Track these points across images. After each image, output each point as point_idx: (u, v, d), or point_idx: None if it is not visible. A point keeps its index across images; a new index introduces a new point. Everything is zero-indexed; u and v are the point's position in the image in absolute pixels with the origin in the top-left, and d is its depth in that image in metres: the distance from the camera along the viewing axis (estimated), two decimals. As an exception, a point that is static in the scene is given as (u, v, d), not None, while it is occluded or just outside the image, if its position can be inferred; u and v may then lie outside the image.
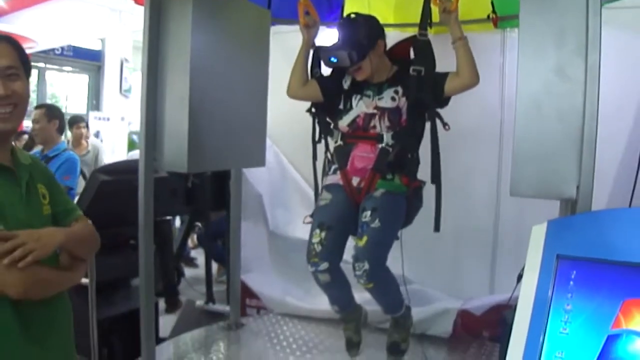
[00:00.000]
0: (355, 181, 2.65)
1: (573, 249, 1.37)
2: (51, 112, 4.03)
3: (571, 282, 1.33)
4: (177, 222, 6.67)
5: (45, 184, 1.61)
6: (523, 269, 1.42)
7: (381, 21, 3.82)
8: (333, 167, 2.74)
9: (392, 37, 3.07)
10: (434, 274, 3.73)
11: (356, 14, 2.77)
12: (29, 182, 1.54)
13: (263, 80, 3.00)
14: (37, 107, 4.15)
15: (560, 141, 1.92)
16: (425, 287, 3.68)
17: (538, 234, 1.43)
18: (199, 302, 4.15)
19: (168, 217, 5.02)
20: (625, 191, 2.89)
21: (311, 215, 2.72)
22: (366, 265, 2.42)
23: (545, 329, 1.30)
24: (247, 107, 2.92)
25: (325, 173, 2.81)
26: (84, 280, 2.77)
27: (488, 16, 3.48)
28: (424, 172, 2.70)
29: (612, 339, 1.23)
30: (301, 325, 3.45)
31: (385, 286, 2.62)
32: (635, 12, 3.27)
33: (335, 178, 2.71)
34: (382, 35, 2.67)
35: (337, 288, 2.66)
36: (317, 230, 2.57)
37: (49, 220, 1.58)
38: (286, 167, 4.11)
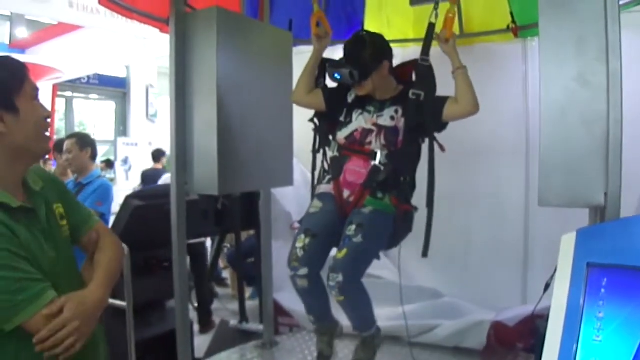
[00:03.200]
0: (345, 194, 2.66)
1: (603, 257, 1.38)
2: (83, 141, 4.10)
3: (602, 290, 1.33)
4: (208, 242, 6.76)
5: (60, 201, 1.60)
6: (551, 278, 1.43)
7: (401, 37, 3.92)
8: (327, 177, 2.76)
9: (412, 52, 3.11)
10: (466, 287, 3.73)
11: (366, 32, 2.80)
12: (47, 211, 1.53)
13: (288, 100, 3.05)
14: (68, 137, 4.23)
15: (585, 149, 1.91)
16: (457, 300, 3.67)
17: (568, 243, 1.43)
18: (233, 322, 4.20)
19: (201, 239, 5.12)
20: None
21: (300, 222, 2.73)
22: (340, 278, 2.42)
23: (578, 338, 1.30)
24: (274, 128, 2.98)
25: (319, 182, 2.83)
26: (121, 303, 2.85)
27: (508, 26, 3.50)
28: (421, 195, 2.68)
29: (646, 345, 1.23)
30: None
31: (356, 302, 2.60)
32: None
33: (328, 187, 2.73)
34: (388, 56, 2.67)
35: (314, 297, 2.65)
36: (302, 236, 2.58)
37: (68, 244, 1.58)
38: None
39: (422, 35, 2.82)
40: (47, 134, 1.55)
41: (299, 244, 2.58)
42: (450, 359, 3.21)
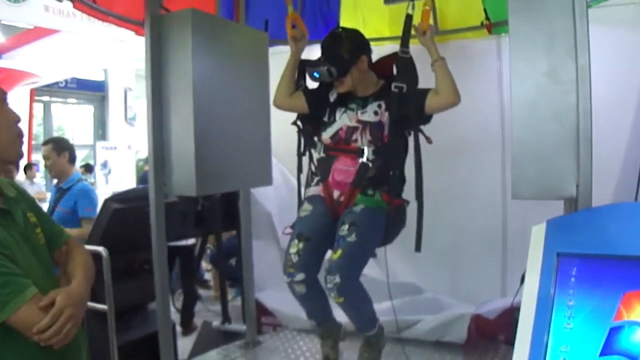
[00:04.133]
0: (335, 194, 2.66)
1: (573, 246, 1.41)
2: (59, 145, 4.06)
3: (572, 279, 1.37)
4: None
5: (33, 212, 1.62)
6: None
7: (376, 35, 3.94)
8: (316, 179, 2.76)
9: (388, 50, 3.13)
10: (445, 281, 3.77)
11: (342, 29, 2.81)
12: (23, 216, 1.55)
13: (265, 100, 3.06)
14: (44, 144, 4.17)
15: (557, 142, 1.95)
16: (437, 295, 3.71)
17: (538, 234, 1.47)
18: (216, 323, 4.20)
19: (190, 243, 5.12)
20: (630, 185, 2.94)
21: (292, 227, 2.72)
22: (337, 279, 2.40)
23: (550, 326, 1.34)
24: (251, 128, 2.98)
25: (308, 184, 2.82)
26: (103, 307, 2.84)
27: (482, 23, 3.54)
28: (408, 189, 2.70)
29: (614, 331, 1.27)
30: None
31: (356, 302, 2.59)
32: (627, 8, 3.33)
33: (317, 189, 2.72)
34: (366, 51, 2.68)
35: (313, 300, 2.64)
36: (295, 241, 2.57)
37: (45, 249, 1.60)
38: (292, 183, 4.14)
39: (398, 33, 2.85)
40: (21, 138, 1.55)
41: (292, 250, 2.56)
42: (432, 353, 3.23)
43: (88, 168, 9.42)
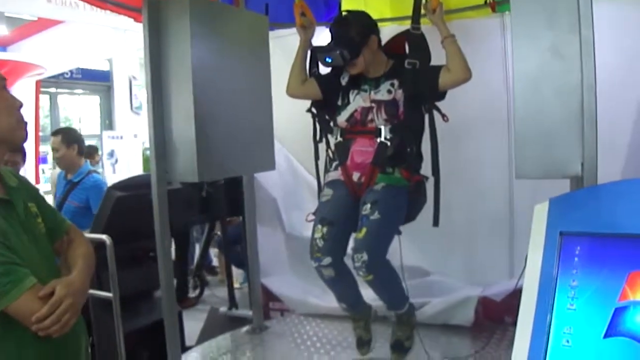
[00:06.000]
0: (355, 176, 2.67)
1: (576, 225, 1.38)
2: (69, 137, 3.98)
3: (576, 259, 1.34)
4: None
5: (34, 202, 1.62)
6: (530, 250, 1.43)
7: (378, 16, 3.87)
8: (334, 164, 2.76)
9: (390, 31, 3.09)
10: (452, 264, 3.74)
11: (348, 12, 2.80)
12: (24, 206, 1.55)
13: (266, 84, 3.03)
14: (53, 134, 4.09)
15: (560, 119, 1.92)
16: (444, 278, 3.69)
17: (541, 213, 1.44)
18: (223, 309, 4.21)
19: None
20: (639, 162, 2.90)
21: (314, 213, 2.74)
22: (365, 257, 2.42)
23: (553, 307, 1.31)
24: (253, 112, 2.96)
25: (327, 170, 2.84)
26: (108, 295, 2.85)
27: (485, 1, 3.49)
28: (426, 167, 2.71)
29: (619, 312, 1.24)
30: (324, 323, 3.48)
31: (385, 279, 2.61)
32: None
33: (336, 174, 2.73)
34: (375, 31, 2.69)
35: (342, 284, 2.66)
36: (319, 226, 2.59)
37: (46, 239, 1.61)
38: (297, 168, 4.13)
39: (400, 14, 2.84)
40: (23, 122, 1.54)
41: (317, 235, 2.58)
42: (439, 336, 3.22)
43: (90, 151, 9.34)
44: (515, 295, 3.12)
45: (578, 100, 1.90)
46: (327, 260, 2.54)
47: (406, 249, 3.70)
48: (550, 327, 1.29)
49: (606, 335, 1.24)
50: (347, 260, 2.60)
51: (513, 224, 3.71)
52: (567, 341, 1.27)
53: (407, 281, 3.48)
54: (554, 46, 1.92)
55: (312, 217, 2.73)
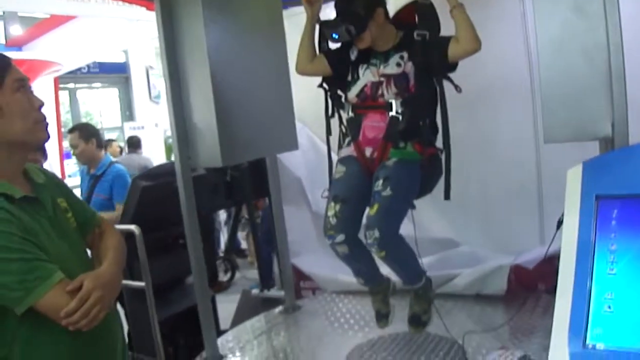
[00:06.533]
0: (368, 152, 2.63)
1: (612, 188, 1.35)
2: (86, 132, 3.99)
3: (613, 222, 1.30)
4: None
5: (64, 197, 1.62)
6: (563, 214, 1.40)
7: (391, -14, 3.81)
8: (347, 140, 2.74)
9: (401, 1, 3.03)
10: (481, 233, 3.71)
11: None
12: (52, 202, 1.55)
13: (283, 64, 3.00)
14: (70, 131, 4.09)
15: (588, 80, 1.87)
16: (475, 248, 3.66)
17: (574, 177, 1.40)
18: (255, 291, 4.24)
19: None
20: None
21: (328, 190, 2.72)
22: (377, 233, 2.41)
23: (592, 272, 1.28)
24: (272, 93, 2.95)
25: (339, 146, 2.80)
26: (141, 284, 2.88)
27: (501, -36, 3.40)
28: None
29: (661, 273, 1.21)
30: (356, 300, 3.48)
31: (398, 255, 2.59)
32: None
33: (348, 150, 2.70)
34: (381, 3, 2.60)
35: (357, 260, 2.65)
36: (332, 204, 2.57)
37: (77, 233, 1.61)
38: (319, 147, 4.09)
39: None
40: (42, 122, 1.53)
41: (330, 212, 2.57)
42: (473, 306, 3.21)
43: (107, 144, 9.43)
44: (547, 262, 3.12)
45: (605, 59, 1.85)
46: (341, 237, 2.53)
47: (434, 222, 3.71)
48: (590, 294, 1.27)
49: (649, 299, 1.21)
50: (362, 235, 2.59)
51: (541, 190, 3.66)
52: (609, 307, 1.25)
53: (437, 253, 3.48)
54: (576, 4, 1.87)
55: (327, 193, 2.72)
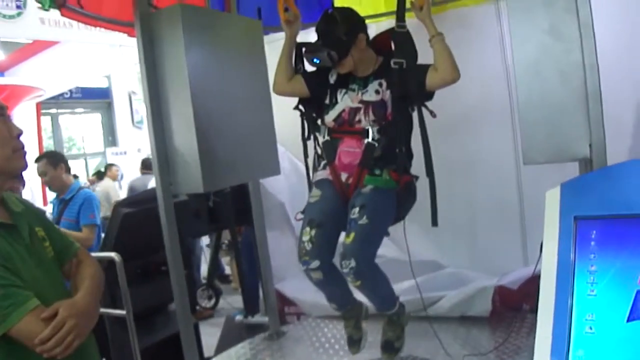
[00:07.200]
0: (343, 177, 2.62)
1: (590, 209, 1.35)
2: (54, 159, 3.99)
3: (592, 243, 1.31)
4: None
5: (41, 226, 1.61)
6: (544, 236, 1.40)
7: (373, 11, 3.86)
8: (322, 163, 2.72)
9: (385, 26, 3.06)
10: (465, 256, 3.72)
11: (335, 8, 2.75)
12: (30, 231, 1.54)
13: (265, 89, 3.00)
14: (37, 160, 4.05)
15: (565, 101, 1.90)
16: (459, 270, 3.66)
17: (553, 199, 1.41)
18: (239, 317, 4.18)
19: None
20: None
21: (303, 212, 2.69)
22: (353, 263, 2.38)
23: (573, 294, 1.28)
24: (253, 118, 2.94)
25: (315, 169, 2.78)
26: (122, 312, 2.84)
27: (478, -12, 3.46)
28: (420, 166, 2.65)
29: (641, 293, 1.21)
30: (341, 325, 3.38)
31: (373, 283, 2.57)
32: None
33: (324, 173, 2.68)
34: (362, 29, 2.61)
35: (331, 285, 2.63)
36: (307, 228, 2.54)
37: (54, 262, 1.59)
38: (301, 170, 4.07)
39: (394, 8, 2.79)
40: (20, 151, 1.53)
41: (305, 237, 2.53)
42: (458, 328, 3.19)
43: (99, 175, 9.41)
44: (531, 282, 3.13)
45: (581, 81, 1.88)
46: (315, 263, 2.50)
47: (418, 245, 3.70)
48: (571, 315, 1.26)
49: (629, 319, 1.21)
50: (337, 260, 2.57)
51: (523, 211, 3.69)
52: (590, 328, 1.24)
53: (422, 276, 3.47)
54: (552, 27, 1.90)
55: (300, 216, 2.69)
